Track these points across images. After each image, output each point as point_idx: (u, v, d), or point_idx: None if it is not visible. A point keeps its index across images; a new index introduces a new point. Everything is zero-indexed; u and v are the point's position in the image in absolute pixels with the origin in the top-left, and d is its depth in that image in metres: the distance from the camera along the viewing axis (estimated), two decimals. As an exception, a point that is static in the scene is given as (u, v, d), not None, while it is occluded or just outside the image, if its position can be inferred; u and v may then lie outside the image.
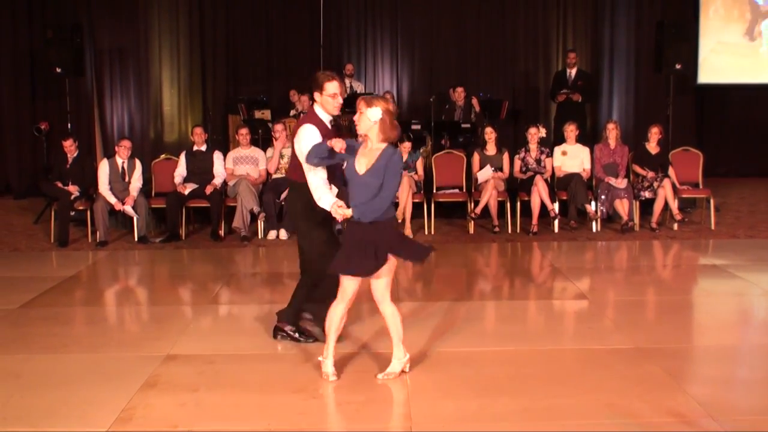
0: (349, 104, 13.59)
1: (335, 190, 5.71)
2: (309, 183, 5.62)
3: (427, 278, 8.74)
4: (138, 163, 10.80)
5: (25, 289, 7.97)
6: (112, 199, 10.39)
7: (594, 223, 10.81)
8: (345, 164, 5.31)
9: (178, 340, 6.29)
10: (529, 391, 5.09)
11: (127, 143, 10.85)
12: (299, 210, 5.90)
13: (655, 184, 10.73)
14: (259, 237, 10.55)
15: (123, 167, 10.64)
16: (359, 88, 14.63)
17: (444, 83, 14.48)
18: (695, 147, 11.90)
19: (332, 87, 5.74)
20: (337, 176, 5.70)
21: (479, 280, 8.63)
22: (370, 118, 5.15)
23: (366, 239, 5.20)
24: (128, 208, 10.40)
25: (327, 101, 5.77)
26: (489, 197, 10.58)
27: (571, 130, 11.22)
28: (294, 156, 5.85)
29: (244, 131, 11.07)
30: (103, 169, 10.61)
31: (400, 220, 10.52)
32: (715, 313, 7.26)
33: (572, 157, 11.14)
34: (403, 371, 5.42)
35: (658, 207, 10.75)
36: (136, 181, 10.66)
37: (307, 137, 5.65)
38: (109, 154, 11.41)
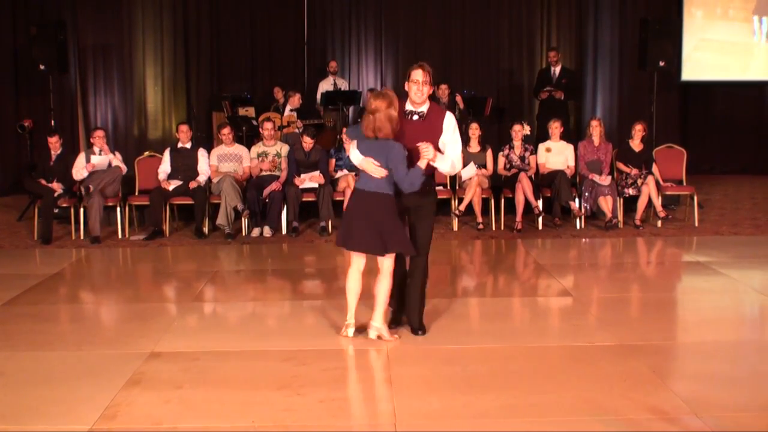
0: (333, 101, 13.70)
1: None
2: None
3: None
4: (117, 153, 10.85)
5: (9, 286, 7.94)
6: (84, 173, 10.47)
7: (578, 220, 10.83)
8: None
9: (162, 337, 6.28)
10: (513, 387, 5.10)
11: (100, 133, 10.79)
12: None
13: (639, 182, 10.77)
14: (243, 234, 10.53)
15: (101, 151, 10.61)
16: (343, 85, 14.63)
17: (428, 80, 14.48)
18: (679, 144, 11.94)
19: (414, 75, 5.91)
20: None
21: (463, 277, 8.64)
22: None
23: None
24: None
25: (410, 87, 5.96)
26: (473, 194, 10.59)
27: (555, 127, 11.24)
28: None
29: (225, 131, 10.99)
30: (81, 157, 10.66)
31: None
32: (698, 309, 7.28)
33: (556, 154, 11.16)
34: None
35: (641, 204, 10.78)
36: (119, 162, 10.69)
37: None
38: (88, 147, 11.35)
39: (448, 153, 5.97)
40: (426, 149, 5.73)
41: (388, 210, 5.85)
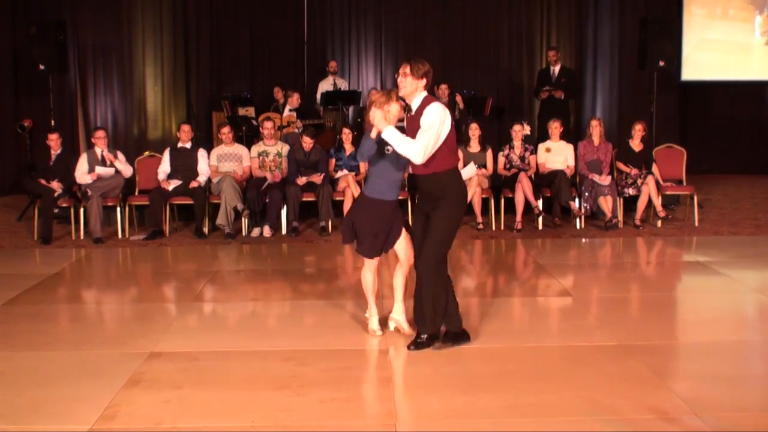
0: (332, 101, 13.70)
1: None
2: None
3: (411, 275, 8.74)
4: (120, 153, 10.83)
5: (9, 286, 7.94)
6: (88, 179, 10.45)
7: (578, 220, 10.83)
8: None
9: (162, 337, 6.28)
10: (513, 387, 5.10)
11: (101, 133, 10.79)
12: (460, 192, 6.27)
13: (639, 181, 10.77)
14: (243, 234, 10.53)
15: (103, 156, 10.61)
16: (343, 85, 14.62)
17: (428, 80, 14.48)
18: (678, 144, 11.94)
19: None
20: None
21: (463, 277, 8.62)
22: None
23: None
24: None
25: None
26: (473, 194, 10.58)
27: (555, 127, 11.23)
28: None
29: (225, 130, 11.00)
30: (83, 158, 10.64)
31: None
32: (698, 310, 7.28)
33: (556, 154, 11.16)
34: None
35: (641, 204, 10.78)
36: (123, 164, 10.69)
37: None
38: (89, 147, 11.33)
39: (417, 138, 5.69)
40: (374, 116, 5.68)
41: (394, 215, 6.07)
